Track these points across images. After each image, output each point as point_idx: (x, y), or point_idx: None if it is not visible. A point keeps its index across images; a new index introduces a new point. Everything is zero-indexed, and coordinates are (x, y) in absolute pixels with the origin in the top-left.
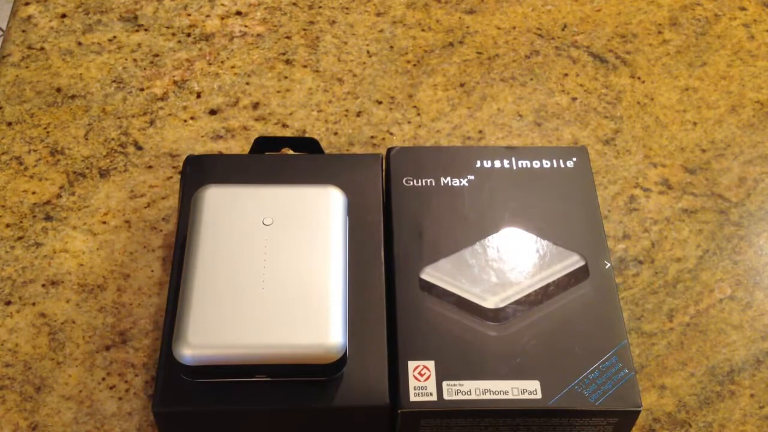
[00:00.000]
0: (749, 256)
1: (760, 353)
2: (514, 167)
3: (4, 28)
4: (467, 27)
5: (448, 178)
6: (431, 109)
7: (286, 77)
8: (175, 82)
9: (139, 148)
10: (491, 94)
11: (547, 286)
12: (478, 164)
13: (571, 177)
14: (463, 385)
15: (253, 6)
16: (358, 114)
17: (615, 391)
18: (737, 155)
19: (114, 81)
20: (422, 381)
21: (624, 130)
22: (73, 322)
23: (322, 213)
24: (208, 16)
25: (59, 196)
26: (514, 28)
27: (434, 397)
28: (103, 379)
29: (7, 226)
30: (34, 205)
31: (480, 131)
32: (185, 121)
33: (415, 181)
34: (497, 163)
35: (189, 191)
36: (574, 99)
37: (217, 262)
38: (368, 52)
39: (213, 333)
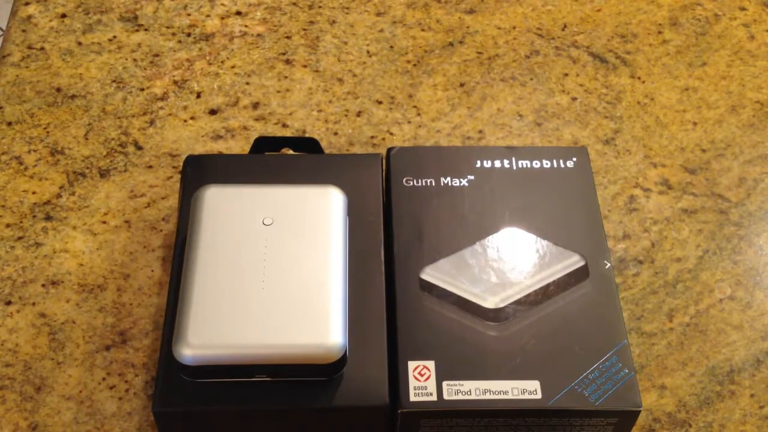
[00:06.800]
0: (749, 256)
1: (760, 353)
2: (514, 167)
3: (4, 28)
4: (467, 27)
5: (448, 178)
6: (431, 109)
7: (286, 77)
8: (175, 82)
9: (139, 148)
10: (491, 94)
11: (547, 286)
12: (478, 164)
13: (571, 177)
14: (463, 385)
15: (253, 6)
16: (358, 114)
17: (615, 391)
18: (737, 155)
19: (114, 81)
20: (422, 381)
21: (624, 130)
22: (73, 322)
23: (322, 213)
24: (208, 16)
25: (59, 196)
26: (514, 28)
27: (434, 397)
28: (103, 379)
29: (7, 226)
30: (34, 205)
31: (480, 131)
32: (185, 121)
33: (415, 181)
34: (497, 163)
35: (189, 191)
36: (574, 99)
37: (217, 262)
38: (368, 52)
39: (213, 333)
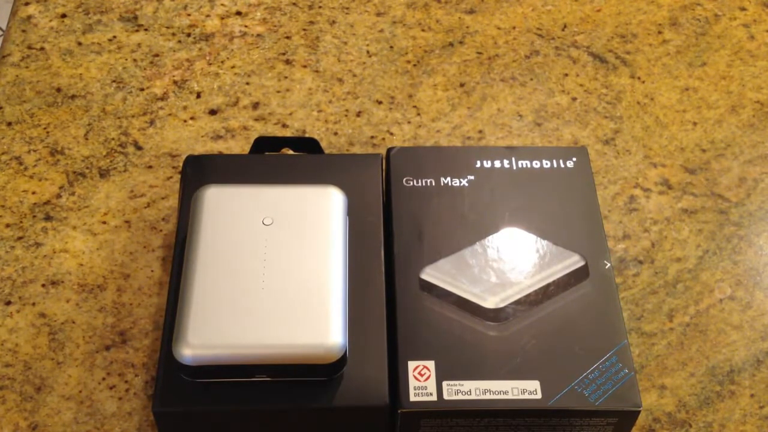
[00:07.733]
0: (749, 256)
1: (760, 353)
2: (514, 167)
3: (4, 28)
4: (467, 27)
5: (448, 178)
6: (431, 109)
7: (286, 77)
8: (175, 82)
9: (139, 148)
10: (491, 94)
11: (547, 286)
12: (478, 164)
13: (571, 177)
14: (463, 385)
15: (253, 6)
16: (358, 114)
17: (615, 391)
18: (737, 155)
19: (114, 81)
20: (422, 381)
21: (624, 130)
22: (73, 322)
23: (322, 213)
24: (208, 16)
25: (59, 196)
26: (514, 28)
27: (434, 397)
28: (103, 379)
29: (7, 226)
30: (34, 205)
31: (480, 131)
32: (185, 121)
33: (415, 181)
34: (497, 163)
35: (189, 191)
36: (574, 99)
37: (217, 262)
38: (368, 52)
39: (213, 333)
